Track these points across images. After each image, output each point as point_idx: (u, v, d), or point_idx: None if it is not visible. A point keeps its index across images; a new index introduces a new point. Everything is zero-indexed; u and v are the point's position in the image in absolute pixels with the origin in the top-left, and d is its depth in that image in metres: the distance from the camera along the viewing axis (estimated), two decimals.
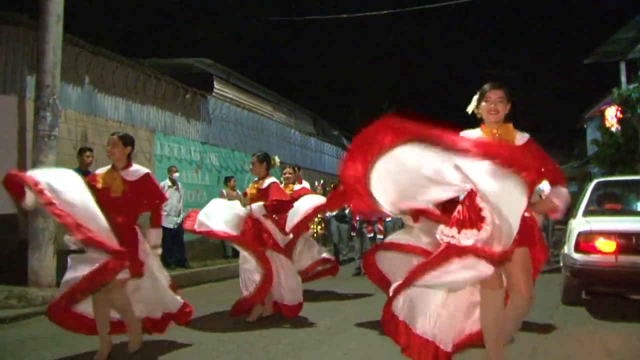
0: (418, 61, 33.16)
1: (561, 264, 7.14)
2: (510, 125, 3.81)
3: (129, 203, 4.90)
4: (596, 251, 6.12)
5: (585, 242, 6.22)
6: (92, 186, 4.80)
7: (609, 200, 7.60)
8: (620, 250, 6.02)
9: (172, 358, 4.94)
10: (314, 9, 23.09)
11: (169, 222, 10.46)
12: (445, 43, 38.20)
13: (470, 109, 3.96)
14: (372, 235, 11.11)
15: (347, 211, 12.06)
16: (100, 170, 5.08)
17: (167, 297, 5.16)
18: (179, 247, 10.97)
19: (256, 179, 6.68)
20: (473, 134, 3.78)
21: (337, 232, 12.55)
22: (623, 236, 6.08)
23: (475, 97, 3.91)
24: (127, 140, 5.08)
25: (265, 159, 6.62)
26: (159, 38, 18.81)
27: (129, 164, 5.03)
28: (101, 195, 4.77)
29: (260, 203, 6.37)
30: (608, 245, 6.08)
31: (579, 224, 6.54)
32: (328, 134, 24.21)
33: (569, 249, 6.50)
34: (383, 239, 11.78)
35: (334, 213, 12.34)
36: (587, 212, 6.97)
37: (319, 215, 12.13)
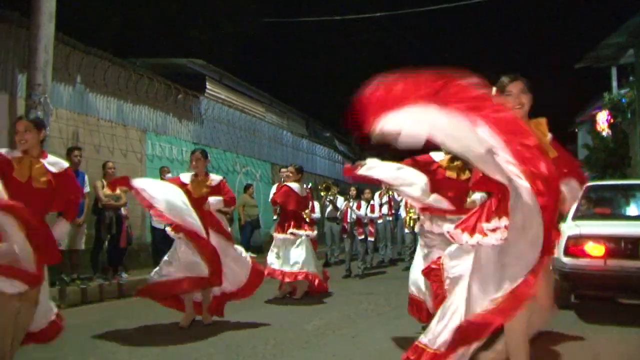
0: (410, 64, 33.20)
1: (550, 268, 7.15)
2: (544, 120, 3.54)
3: (49, 197, 4.27)
4: (585, 255, 6.14)
5: (574, 245, 6.24)
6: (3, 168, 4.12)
7: (599, 205, 7.64)
8: (609, 254, 6.05)
9: (160, 358, 4.93)
10: (307, 10, 23.11)
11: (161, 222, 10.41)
12: (438, 46, 38.30)
13: None
14: (362, 237, 11.08)
15: (338, 213, 12.08)
16: (9, 153, 4.25)
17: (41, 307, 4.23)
18: (169, 248, 10.90)
19: (184, 174, 6.64)
20: None
21: (330, 233, 12.57)
22: (612, 240, 6.11)
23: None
24: (40, 124, 4.39)
25: (207, 156, 6.59)
26: (151, 38, 18.74)
27: (43, 153, 4.37)
28: (15, 184, 4.08)
29: (219, 198, 6.38)
30: (597, 249, 6.10)
31: (569, 227, 6.56)
32: (320, 135, 24.22)
33: (558, 252, 6.51)
34: (374, 241, 11.84)
35: (327, 214, 12.38)
36: (577, 216, 7.00)
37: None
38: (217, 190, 6.39)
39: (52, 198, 4.30)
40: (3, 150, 4.25)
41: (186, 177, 6.42)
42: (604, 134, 18.81)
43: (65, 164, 4.45)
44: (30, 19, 8.14)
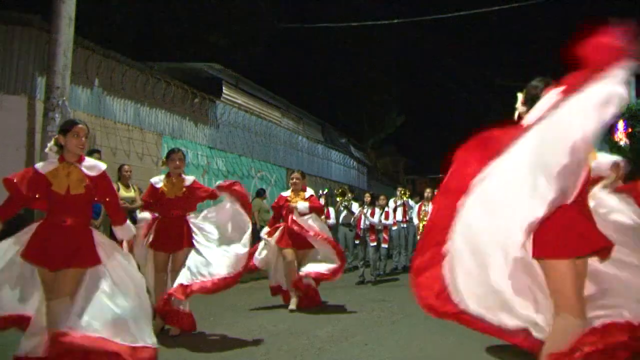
0: (428, 70, 33.14)
1: None
2: None
3: (88, 201, 4.28)
4: None
5: None
6: (41, 186, 4.12)
7: None
8: None
9: None
10: (324, 16, 23.18)
11: None
12: (456, 53, 38.09)
13: None
14: (375, 244, 11.01)
15: (352, 219, 12.05)
16: (45, 167, 4.21)
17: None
18: None
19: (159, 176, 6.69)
20: None
21: (343, 238, 12.53)
22: None
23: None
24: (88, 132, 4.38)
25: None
26: (169, 42, 18.89)
27: (81, 156, 4.30)
28: (56, 197, 4.12)
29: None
30: None
31: None
32: (336, 141, 24.22)
33: None
34: (387, 248, 11.78)
35: (341, 220, 12.36)
36: None
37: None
38: (192, 190, 6.46)
39: (89, 202, 4.28)
40: (39, 165, 4.25)
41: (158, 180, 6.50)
42: (622, 143, 18.65)
43: (103, 166, 4.37)
44: (50, 23, 8.23)
